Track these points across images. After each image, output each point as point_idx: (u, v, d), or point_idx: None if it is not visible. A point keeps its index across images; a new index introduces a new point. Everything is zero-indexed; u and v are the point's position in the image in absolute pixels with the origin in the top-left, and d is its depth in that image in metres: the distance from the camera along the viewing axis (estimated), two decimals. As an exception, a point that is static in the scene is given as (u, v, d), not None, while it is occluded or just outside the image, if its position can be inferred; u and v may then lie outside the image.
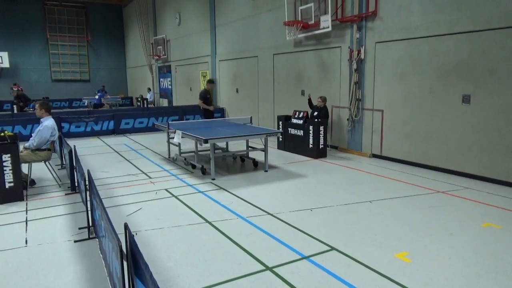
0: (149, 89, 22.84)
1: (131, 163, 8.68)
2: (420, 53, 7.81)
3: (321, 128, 8.99)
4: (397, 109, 8.42)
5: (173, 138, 8.05)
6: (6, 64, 23.42)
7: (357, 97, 9.25)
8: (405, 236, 4.50)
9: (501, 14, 6.40)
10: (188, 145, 9.01)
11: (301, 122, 9.49)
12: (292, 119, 9.79)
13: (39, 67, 25.38)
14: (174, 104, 20.47)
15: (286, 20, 10.71)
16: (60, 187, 6.70)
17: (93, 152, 10.07)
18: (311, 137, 9.05)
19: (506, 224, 4.86)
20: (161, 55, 21.02)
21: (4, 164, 5.63)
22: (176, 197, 6.10)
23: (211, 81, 10.99)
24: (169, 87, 21.25)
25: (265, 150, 7.78)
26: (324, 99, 9.41)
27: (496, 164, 6.69)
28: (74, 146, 6.19)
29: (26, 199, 5.98)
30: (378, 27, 8.65)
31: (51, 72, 25.75)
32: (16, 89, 18.82)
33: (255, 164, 8.11)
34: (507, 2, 6.31)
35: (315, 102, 9.67)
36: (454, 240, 4.40)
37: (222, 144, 9.29)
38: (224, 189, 6.50)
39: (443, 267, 3.76)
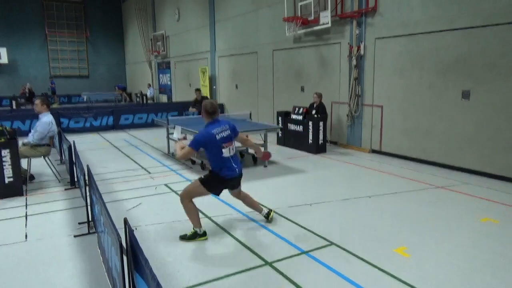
0: (149, 85, 22.79)
1: (130, 158, 8.68)
2: (420, 49, 7.80)
3: (321, 123, 8.99)
4: (397, 105, 8.42)
5: (173, 133, 8.05)
6: (4, 60, 23.33)
7: (357, 93, 9.24)
8: (404, 231, 4.51)
9: (501, 10, 6.39)
10: (188, 140, 8.99)
11: (300, 117, 9.49)
12: (292, 115, 9.78)
13: (38, 63, 25.30)
14: (174, 100, 20.44)
15: (286, 16, 10.66)
16: (59, 182, 6.70)
17: (93, 148, 10.07)
18: (310, 133, 9.05)
19: (504, 219, 4.87)
20: (160, 51, 20.96)
21: (4, 159, 5.63)
22: (175, 192, 6.10)
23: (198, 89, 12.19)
24: (169, 83, 21.21)
25: (264, 145, 7.78)
26: (319, 95, 9.33)
27: (495, 159, 6.70)
28: (74, 141, 6.19)
29: (26, 194, 5.98)
30: (378, 23, 8.63)
31: (50, 68, 25.68)
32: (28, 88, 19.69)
33: (255, 160, 8.11)
34: (507, -3, 6.30)
35: (310, 99, 9.60)
36: (453, 235, 4.41)
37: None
38: (223, 184, 6.50)
39: (441, 261, 3.77)
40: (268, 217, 4.69)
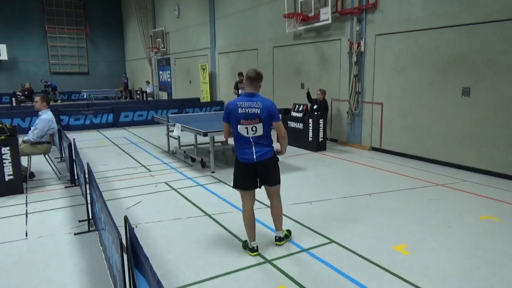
0: (148, 82, 22.87)
1: (130, 156, 8.68)
2: (420, 46, 7.78)
3: (321, 121, 8.98)
4: (397, 102, 8.41)
5: (173, 131, 8.04)
6: (4, 56, 23.28)
7: (357, 90, 9.23)
8: (404, 229, 4.52)
9: (501, 7, 6.37)
10: (188, 138, 9.00)
11: (300, 115, 9.48)
12: (292, 112, 9.77)
13: (38, 59, 25.25)
14: (174, 97, 20.42)
15: (286, 12, 10.64)
16: (59, 180, 6.70)
17: (93, 145, 10.07)
18: (310, 130, 9.04)
19: (504, 216, 4.88)
20: (160, 47, 20.92)
21: (4, 156, 5.63)
22: (175, 190, 6.11)
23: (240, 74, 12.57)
24: (169, 80, 21.19)
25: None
26: (323, 92, 9.37)
27: (495, 157, 6.70)
28: (74, 139, 6.18)
29: (26, 192, 5.98)
30: (378, 20, 8.60)
31: (49, 65, 25.64)
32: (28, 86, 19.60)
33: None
34: (508, -6, 6.28)
35: (314, 95, 9.65)
36: (452, 232, 4.41)
37: (221, 137, 9.27)
38: (223, 182, 6.51)
39: (441, 259, 3.78)
40: (280, 241, 4.08)
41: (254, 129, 3.69)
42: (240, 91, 12.27)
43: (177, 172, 7.23)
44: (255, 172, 3.80)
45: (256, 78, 3.74)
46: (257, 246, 3.92)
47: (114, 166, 7.67)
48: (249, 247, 3.91)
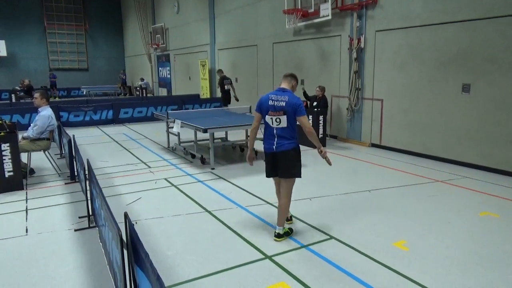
0: (142, 79, 22.95)
1: (130, 152, 8.68)
2: (420, 42, 7.76)
3: (321, 117, 8.98)
4: (397, 99, 8.40)
5: (173, 127, 8.04)
6: (3, 53, 23.21)
7: (357, 87, 9.22)
8: (403, 225, 4.53)
9: (502, 2, 6.34)
10: (187, 134, 8.99)
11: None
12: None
13: (37, 56, 25.19)
14: (173, 93, 20.39)
15: (286, 8, 10.61)
16: (59, 176, 6.71)
17: (92, 142, 10.06)
18: (310, 127, 9.02)
19: (503, 213, 4.89)
20: (160, 44, 20.86)
21: (4, 153, 5.63)
22: (175, 186, 6.11)
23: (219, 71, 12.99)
24: (168, 76, 21.15)
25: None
26: (322, 89, 9.36)
27: (495, 153, 6.70)
28: (73, 135, 6.18)
29: (26, 188, 5.99)
30: (379, 16, 8.58)
31: (49, 61, 25.58)
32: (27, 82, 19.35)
33: (255, 154, 8.09)
34: (509, -10, 6.25)
35: (311, 92, 9.62)
36: (452, 229, 4.42)
37: (221, 133, 9.27)
38: (223, 178, 6.51)
39: (440, 255, 3.79)
40: (279, 237, 4.13)
41: (278, 120, 4.03)
42: (226, 87, 12.40)
43: (177, 168, 7.24)
44: (274, 161, 4.14)
45: (289, 75, 4.22)
46: (290, 216, 4.58)
47: (114, 163, 7.67)
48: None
